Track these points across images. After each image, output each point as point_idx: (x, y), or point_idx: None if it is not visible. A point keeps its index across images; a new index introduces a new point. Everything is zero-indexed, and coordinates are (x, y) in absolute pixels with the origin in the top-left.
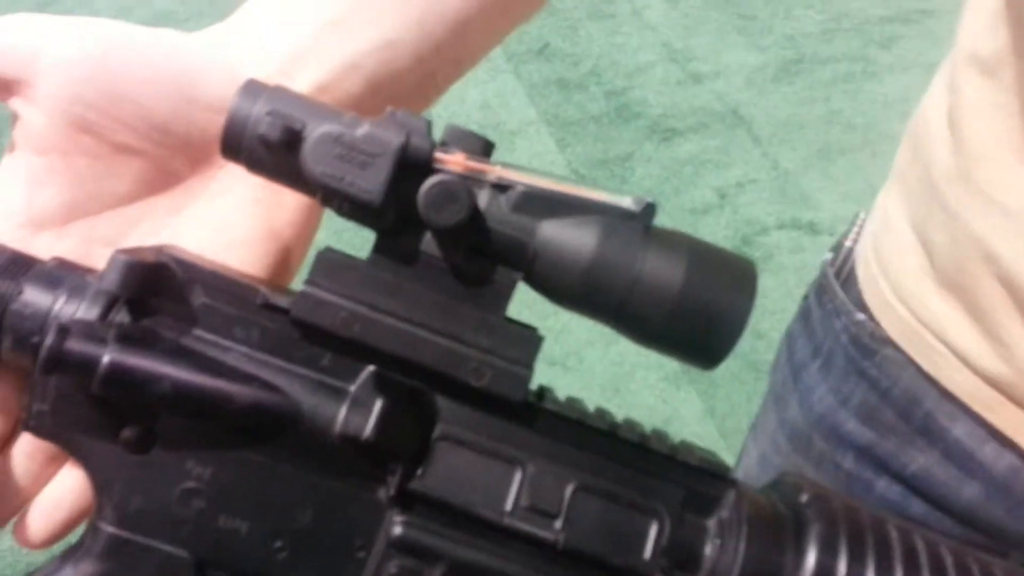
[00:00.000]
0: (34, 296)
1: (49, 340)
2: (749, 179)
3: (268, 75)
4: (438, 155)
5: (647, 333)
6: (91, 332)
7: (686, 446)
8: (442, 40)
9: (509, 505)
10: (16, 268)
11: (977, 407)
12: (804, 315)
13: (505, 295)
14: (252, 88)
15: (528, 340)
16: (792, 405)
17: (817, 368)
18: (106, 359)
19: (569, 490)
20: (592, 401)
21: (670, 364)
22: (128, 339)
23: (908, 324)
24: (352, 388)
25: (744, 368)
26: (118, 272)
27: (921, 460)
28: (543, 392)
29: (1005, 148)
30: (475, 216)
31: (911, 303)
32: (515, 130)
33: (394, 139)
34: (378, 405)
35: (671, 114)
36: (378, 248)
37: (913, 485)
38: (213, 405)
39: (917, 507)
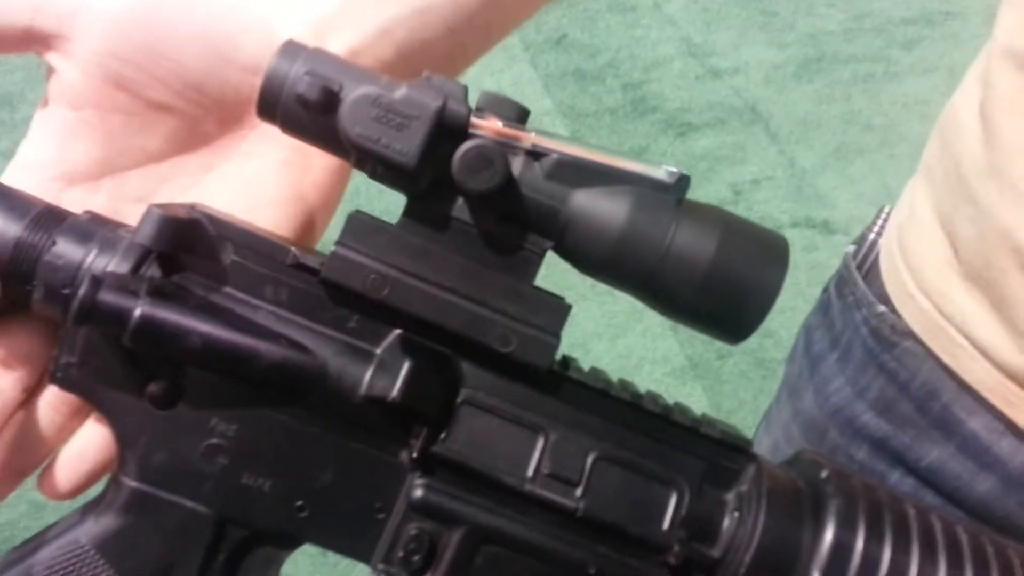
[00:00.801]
0: (67, 248)
1: (82, 291)
2: (765, 176)
3: (302, 36)
4: (474, 120)
5: (675, 305)
6: (124, 285)
7: (708, 420)
8: (474, 11)
9: (530, 472)
10: (49, 220)
11: (996, 401)
12: (823, 307)
13: (534, 263)
14: (291, 48)
15: (556, 308)
16: (807, 396)
17: (835, 360)
18: (138, 312)
19: (590, 459)
20: None
21: (677, 359)
22: (160, 293)
23: (930, 316)
24: (379, 351)
25: (751, 365)
26: (153, 226)
27: (936, 453)
28: (567, 361)
29: None
30: (509, 182)
31: (934, 295)
32: (530, 120)
33: (431, 102)
34: (404, 368)
35: (688, 108)
36: (409, 212)
37: (927, 478)
38: (241, 362)
39: (930, 500)
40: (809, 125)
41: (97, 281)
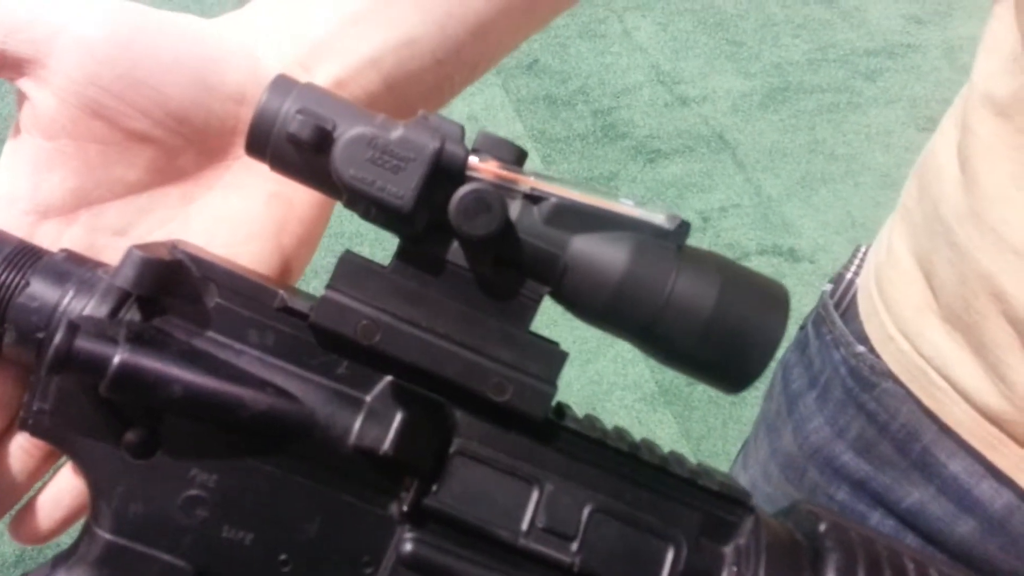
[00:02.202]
0: (41, 289)
1: (58, 338)
2: (732, 204)
3: (287, 66)
4: (472, 162)
5: (676, 354)
6: (102, 330)
7: (706, 470)
8: (463, 42)
9: (525, 525)
10: (22, 259)
11: (976, 444)
12: (800, 345)
13: (531, 309)
14: (282, 84)
15: (552, 356)
16: (786, 435)
17: (814, 399)
18: (117, 359)
19: (586, 512)
20: None
21: (648, 385)
22: (140, 339)
23: (909, 358)
24: (369, 398)
25: (721, 393)
26: (133, 269)
27: (917, 495)
28: (563, 409)
29: (1019, 189)
30: (507, 227)
31: (913, 338)
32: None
33: (429, 144)
34: (396, 418)
35: (657, 135)
36: (402, 254)
37: (907, 519)
38: (225, 411)
39: (911, 542)
40: (775, 154)
41: (74, 327)
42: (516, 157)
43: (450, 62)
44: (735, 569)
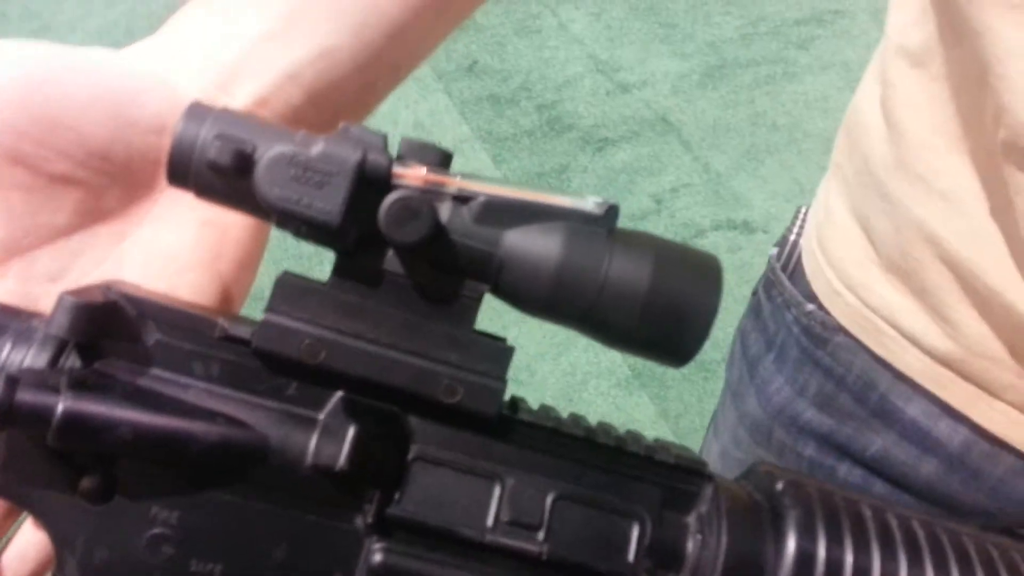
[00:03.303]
0: None
1: None
2: (683, 184)
3: (205, 90)
4: (396, 170)
5: (617, 336)
6: (42, 381)
7: (662, 444)
8: (381, 47)
9: (490, 521)
10: None
11: (929, 386)
12: (755, 310)
13: (472, 308)
14: (197, 111)
15: (499, 352)
16: (750, 399)
17: (771, 361)
18: (60, 408)
19: (549, 500)
20: None
21: (621, 370)
22: (82, 385)
23: (857, 311)
24: (321, 416)
25: (692, 369)
26: (66, 315)
27: (879, 442)
28: (516, 403)
29: (940, 136)
30: (438, 231)
31: (858, 290)
32: (450, 148)
33: (351, 156)
34: (350, 432)
35: (602, 124)
36: (339, 269)
37: (873, 467)
38: (176, 447)
39: (879, 488)
40: (719, 130)
41: (13, 380)
42: (441, 160)
43: (371, 68)
44: (699, 537)
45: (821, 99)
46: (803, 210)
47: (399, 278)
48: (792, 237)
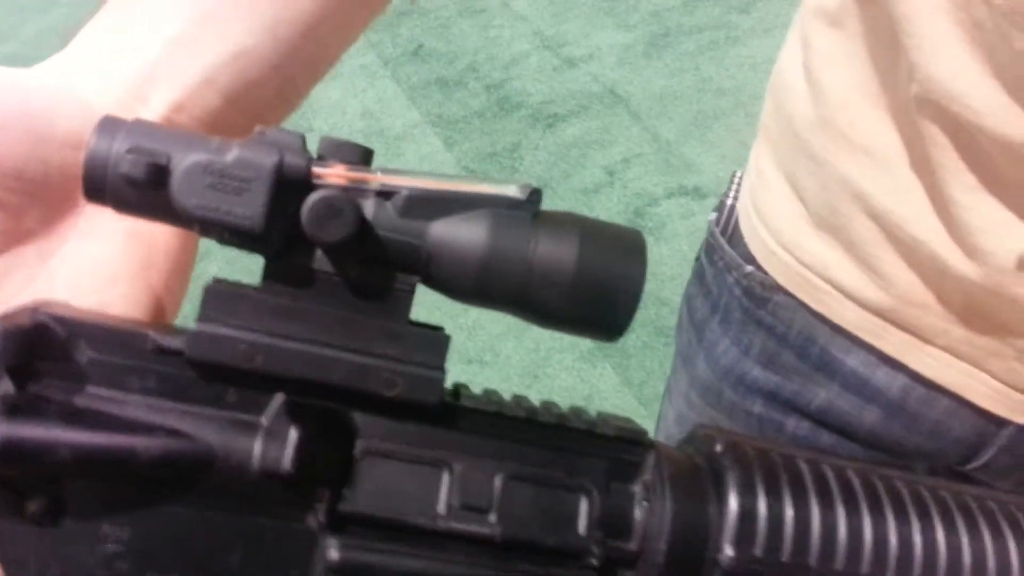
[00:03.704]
0: None
1: None
2: (633, 154)
3: (119, 100)
4: (316, 170)
5: (550, 316)
6: None
7: (603, 418)
8: (296, 44)
9: (442, 508)
10: None
11: (866, 337)
12: (699, 275)
13: (406, 300)
14: (108, 125)
15: (435, 341)
16: (699, 362)
17: (717, 323)
18: None
19: (497, 482)
20: (512, 390)
21: (583, 344)
22: (16, 410)
23: (792, 269)
24: (263, 420)
25: (653, 335)
26: None
27: (823, 395)
28: (458, 390)
29: (859, 94)
30: (363, 227)
31: (792, 249)
32: (400, 134)
33: (267, 160)
34: (293, 434)
35: (551, 100)
36: (269, 273)
37: (819, 419)
38: (119, 464)
39: (826, 439)
40: (666, 99)
41: None
42: (362, 157)
43: (287, 66)
44: (646, 504)
45: (766, 61)
46: (738, 174)
47: (329, 276)
48: (729, 201)
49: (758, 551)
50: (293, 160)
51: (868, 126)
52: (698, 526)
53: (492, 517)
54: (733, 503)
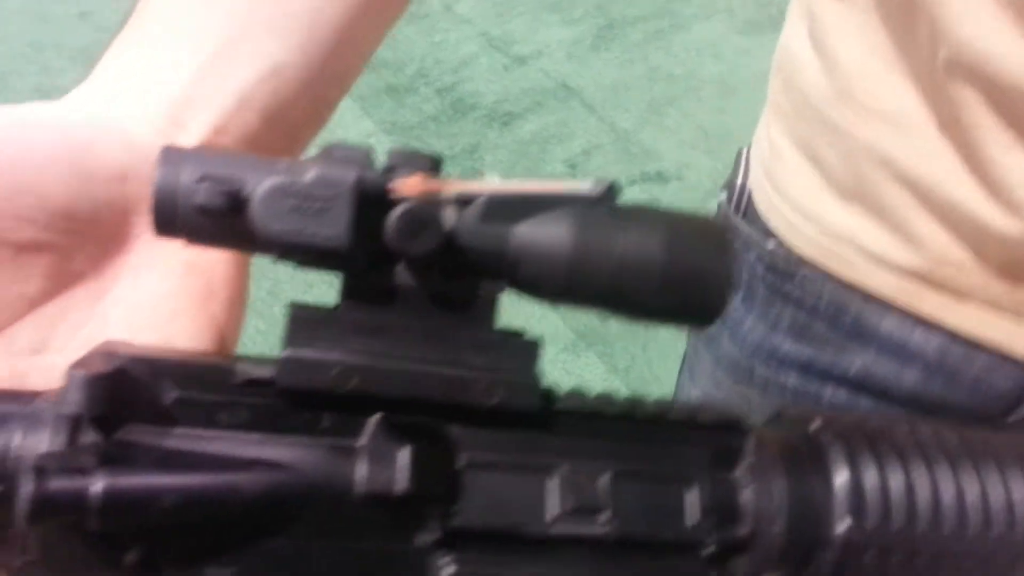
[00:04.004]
0: None
1: (27, 487)
2: (593, 145)
3: (158, 128)
4: (393, 183)
5: (640, 310)
6: (68, 463)
7: (699, 407)
8: (328, 56)
9: (552, 514)
10: None
11: (900, 300)
12: None
13: (491, 307)
14: (171, 155)
15: (527, 347)
16: (724, 342)
17: (740, 302)
18: (97, 488)
19: (604, 482)
20: None
21: (565, 335)
22: (111, 460)
23: (819, 241)
24: (362, 442)
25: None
26: (79, 391)
27: (859, 362)
28: (550, 393)
29: (876, 63)
30: (447, 237)
31: (817, 220)
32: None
33: (347, 177)
34: (403, 453)
35: (505, 99)
36: (349, 291)
37: (857, 385)
38: (222, 503)
39: (864, 404)
40: (619, 89)
41: (40, 469)
42: (433, 165)
43: (319, 81)
44: (752, 488)
45: (710, 45)
46: (744, 151)
47: (412, 291)
48: (739, 180)
49: (870, 523)
50: (370, 175)
51: (889, 93)
52: (811, 504)
53: (603, 517)
54: (841, 477)
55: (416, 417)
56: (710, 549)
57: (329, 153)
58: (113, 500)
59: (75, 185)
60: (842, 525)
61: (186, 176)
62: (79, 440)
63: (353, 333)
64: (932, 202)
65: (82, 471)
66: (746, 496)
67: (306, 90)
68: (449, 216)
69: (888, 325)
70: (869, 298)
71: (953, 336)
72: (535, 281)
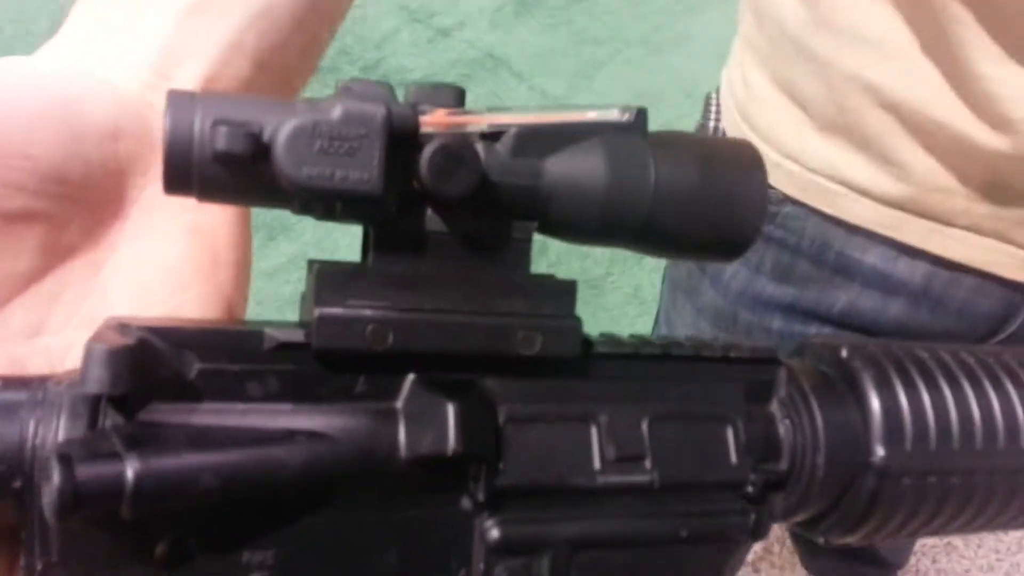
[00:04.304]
0: None
1: (56, 478)
2: None
3: (145, 80)
4: (423, 119)
5: (673, 243)
6: (95, 449)
7: (732, 343)
8: None
9: (597, 463)
10: None
11: (884, 231)
12: None
13: (525, 250)
14: (181, 100)
15: (563, 289)
16: (706, 291)
17: None
18: (131, 474)
19: (645, 427)
20: None
21: None
22: (139, 442)
23: (801, 177)
24: (400, 404)
25: (583, 288)
26: (102, 367)
27: (844, 297)
28: (586, 338)
29: None
30: (481, 175)
31: (797, 156)
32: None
33: (376, 112)
34: (439, 413)
35: (432, 72)
36: (377, 242)
37: (842, 322)
38: (265, 479)
39: None
40: (546, 56)
41: (66, 459)
42: (458, 98)
43: (310, 20)
44: (787, 422)
45: (632, 5)
46: (712, 96)
47: (443, 236)
48: (711, 123)
49: (908, 445)
50: (400, 110)
51: (870, 18)
52: (849, 433)
53: (648, 463)
54: (876, 403)
55: (451, 372)
56: (753, 488)
57: (348, 90)
58: (147, 485)
59: (65, 145)
60: (880, 451)
61: (201, 121)
62: (101, 423)
63: (383, 287)
64: (916, 126)
65: (111, 456)
66: (782, 430)
67: (298, 29)
68: (479, 152)
69: (872, 258)
70: (853, 231)
71: (938, 262)
72: (567, 220)
